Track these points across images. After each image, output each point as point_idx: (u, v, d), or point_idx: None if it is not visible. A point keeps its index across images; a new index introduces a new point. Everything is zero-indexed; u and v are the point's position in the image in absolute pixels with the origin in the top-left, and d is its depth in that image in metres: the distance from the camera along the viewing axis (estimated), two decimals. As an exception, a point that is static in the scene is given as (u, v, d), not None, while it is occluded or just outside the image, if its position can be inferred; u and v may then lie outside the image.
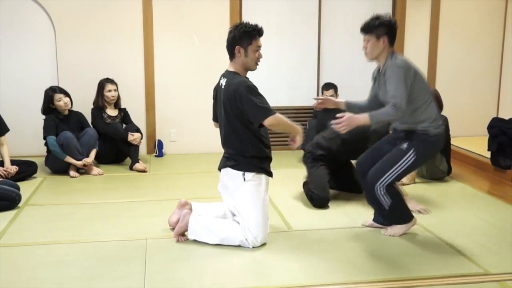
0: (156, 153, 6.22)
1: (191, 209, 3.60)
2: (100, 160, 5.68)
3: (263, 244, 3.39)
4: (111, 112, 5.74)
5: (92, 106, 5.70)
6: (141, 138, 5.73)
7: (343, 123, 3.24)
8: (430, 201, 4.44)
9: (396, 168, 3.38)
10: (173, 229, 3.56)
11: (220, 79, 3.44)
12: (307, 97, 6.32)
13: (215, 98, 3.54)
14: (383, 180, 3.37)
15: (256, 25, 3.35)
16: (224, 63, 6.23)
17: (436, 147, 3.51)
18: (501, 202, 4.40)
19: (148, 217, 4.01)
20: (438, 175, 4.78)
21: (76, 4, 5.93)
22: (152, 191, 4.75)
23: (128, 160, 5.64)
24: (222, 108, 3.38)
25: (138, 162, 5.53)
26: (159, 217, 3.99)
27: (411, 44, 6.66)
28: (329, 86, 5.96)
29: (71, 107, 5.48)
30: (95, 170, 5.36)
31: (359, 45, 6.53)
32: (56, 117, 5.35)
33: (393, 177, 3.38)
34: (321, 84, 6.46)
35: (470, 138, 5.28)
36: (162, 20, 6.13)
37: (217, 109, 3.53)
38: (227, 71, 3.44)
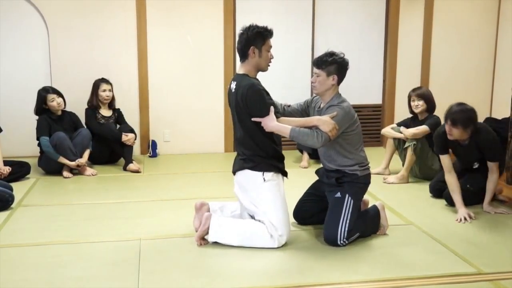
0: (150, 153, 6.21)
1: (209, 210, 3.58)
2: (94, 160, 5.67)
3: (285, 244, 3.40)
4: (105, 112, 5.73)
5: (85, 107, 5.68)
6: (135, 139, 5.72)
7: (262, 123, 3.29)
8: (422, 200, 4.45)
9: (343, 217, 3.42)
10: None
11: (231, 83, 3.45)
12: (301, 97, 6.25)
13: (229, 101, 3.54)
14: (340, 234, 3.39)
15: (267, 26, 3.38)
16: (218, 63, 6.31)
17: (366, 185, 3.63)
18: (494, 202, 4.40)
19: (142, 218, 4.00)
20: (431, 174, 4.79)
21: (69, 4, 5.91)
22: (146, 192, 4.74)
23: (122, 161, 5.63)
24: (234, 111, 3.40)
25: (132, 162, 5.51)
26: (153, 217, 3.99)
27: (405, 44, 6.67)
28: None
29: (64, 108, 5.47)
30: (89, 170, 5.34)
31: (353, 45, 6.58)
32: (49, 117, 5.34)
33: (346, 225, 3.40)
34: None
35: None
36: (156, 20, 6.12)
37: (232, 112, 3.53)
38: (237, 75, 3.46)
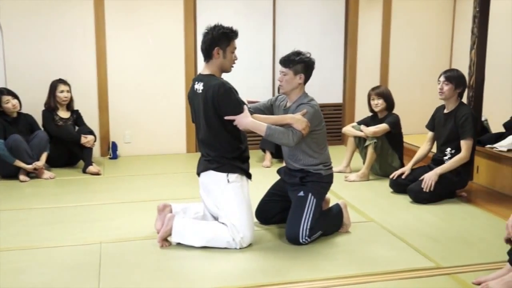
0: (110, 155, 6.13)
1: (171, 211, 3.54)
2: (52, 163, 5.55)
3: (249, 245, 3.39)
4: (63, 114, 5.62)
5: (42, 108, 5.56)
6: (95, 141, 5.63)
7: (236, 121, 3.28)
8: (383, 197, 4.51)
9: (305, 215, 3.44)
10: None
11: (194, 83, 3.40)
12: (263, 97, 6.31)
13: (190, 103, 3.50)
14: (302, 232, 3.40)
15: (232, 27, 3.35)
16: (178, 63, 6.27)
17: (329, 184, 3.68)
18: (453, 198, 4.50)
19: (103, 221, 3.94)
20: (391, 171, 4.86)
21: (24, 4, 5.78)
22: (106, 194, 4.67)
23: (81, 163, 5.54)
24: (201, 112, 3.35)
25: (92, 164, 5.43)
26: (114, 220, 3.94)
27: (364, 44, 6.77)
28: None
29: (20, 109, 5.36)
30: (47, 173, 5.23)
31: (314, 45, 6.62)
32: (4, 119, 5.22)
33: (308, 223, 3.42)
34: (277, 84, 6.50)
35: (421, 136, 5.41)
36: (115, 19, 6.05)
37: (192, 113, 3.50)
38: (201, 75, 3.40)
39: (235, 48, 3.38)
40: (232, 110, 3.27)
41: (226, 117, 3.28)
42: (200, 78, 3.39)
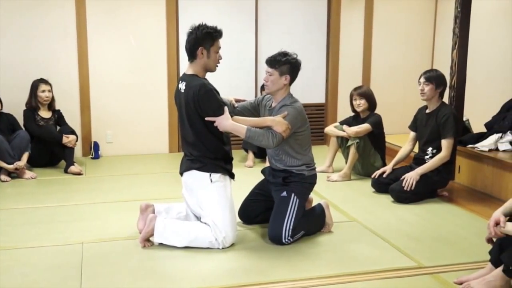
0: (92, 155, 6.09)
1: (154, 211, 3.53)
2: (33, 163, 5.50)
3: (232, 244, 3.38)
4: (45, 114, 5.57)
5: (24, 108, 5.50)
6: (76, 140, 5.59)
7: (216, 123, 3.28)
8: (365, 197, 4.54)
9: (288, 215, 3.44)
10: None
11: (179, 83, 3.39)
12: (246, 97, 6.30)
13: (176, 102, 3.49)
14: (285, 232, 3.40)
15: (216, 27, 3.34)
16: (161, 62, 6.24)
17: (312, 185, 3.70)
18: (434, 198, 4.54)
19: (84, 221, 3.92)
20: (373, 171, 4.88)
21: (4, 4, 5.71)
22: (88, 194, 4.64)
23: (63, 163, 5.49)
24: (184, 112, 3.34)
25: (73, 164, 5.39)
26: (96, 220, 3.91)
27: (346, 44, 6.79)
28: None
29: (1, 109, 5.31)
30: (28, 173, 5.18)
31: (297, 45, 6.62)
32: (-15, 119, 5.16)
33: (291, 223, 3.43)
34: (259, 84, 6.50)
35: (403, 135, 5.44)
36: (96, 19, 6.00)
37: (178, 111, 3.48)
38: (185, 75, 3.39)
39: (219, 47, 3.37)
40: (212, 111, 3.27)
41: (207, 118, 3.28)
42: (183, 77, 3.39)
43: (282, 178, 3.58)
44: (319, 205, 3.73)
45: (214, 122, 3.28)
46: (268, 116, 3.54)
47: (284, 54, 3.54)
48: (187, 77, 3.35)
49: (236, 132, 3.34)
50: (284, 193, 3.52)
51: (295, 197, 3.50)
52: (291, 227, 3.41)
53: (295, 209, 3.47)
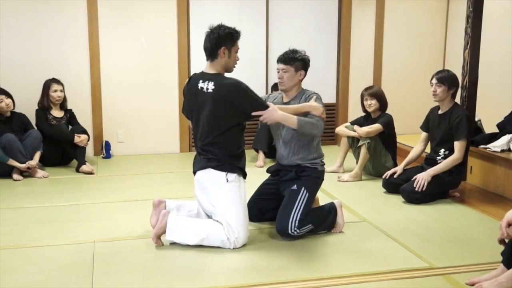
0: (103, 154, 6.12)
1: (166, 207, 3.53)
2: (45, 162, 5.54)
3: (244, 245, 3.38)
4: (57, 113, 5.61)
5: (36, 107, 5.54)
6: (88, 140, 5.62)
7: (264, 116, 3.33)
8: (376, 197, 4.52)
9: (296, 207, 3.46)
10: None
11: (198, 82, 3.36)
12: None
13: (189, 101, 3.48)
14: (291, 223, 3.41)
15: (235, 28, 3.39)
16: (172, 62, 6.25)
17: (321, 181, 3.73)
18: (446, 198, 4.51)
19: (96, 220, 3.93)
20: (384, 171, 4.87)
21: (17, 3, 5.75)
22: (99, 194, 4.66)
23: (74, 162, 5.52)
24: (206, 111, 3.32)
25: (85, 164, 5.41)
26: (107, 220, 3.93)
27: (357, 44, 6.78)
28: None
29: (13, 109, 5.34)
30: (40, 172, 5.21)
31: (307, 45, 6.60)
32: (-2, 119, 5.20)
33: (298, 215, 3.44)
34: (270, 84, 6.50)
35: (415, 136, 5.42)
36: (108, 18, 6.03)
37: (193, 111, 3.46)
38: (207, 74, 3.37)
39: (238, 48, 3.42)
40: (257, 106, 3.32)
41: (255, 113, 3.31)
42: (207, 77, 3.34)
43: (294, 171, 3.61)
44: (331, 203, 3.72)
45: (259, 116, 3.32)
46: None
47: (295, 51, 3.65)
48: (213, 76, 3.33)
49: (287, 122, 3.40)
50: (295, 186, 3.56)
51: (305, 191, 3.52)
52: (297, 219, 3.42)
53: (304, 202, 3.49)
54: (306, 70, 3.67)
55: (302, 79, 3.67)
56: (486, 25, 5.05)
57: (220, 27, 3.34)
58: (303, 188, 3.53)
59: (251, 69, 6.51)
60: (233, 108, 3.28)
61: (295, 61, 3.60)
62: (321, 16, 6.70)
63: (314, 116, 3.48)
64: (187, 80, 3.54)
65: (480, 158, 4.88)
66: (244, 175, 3.48)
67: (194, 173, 3.51)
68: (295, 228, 3.41)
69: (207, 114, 3.33)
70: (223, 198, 3.36)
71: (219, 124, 3.33)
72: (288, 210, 3.45)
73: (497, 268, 2.85)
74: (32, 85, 5.72)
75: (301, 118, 3.42)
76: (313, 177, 3.61)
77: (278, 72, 3.65)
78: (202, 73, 3.41)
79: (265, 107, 3.33)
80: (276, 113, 3.34)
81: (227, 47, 3.33)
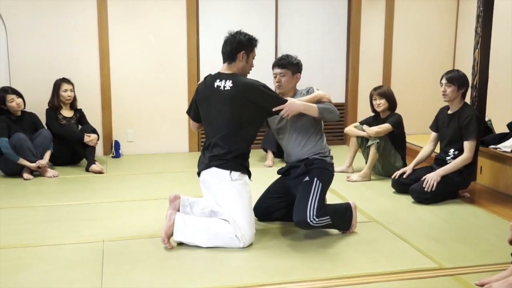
0: (113, 154, 6.14)
1: (179, 203, 3.50)
2: (55, 162, 5.57)
3: (251, 244, 3.39)
4: (67, 113, 5.63)
5: (46, 107, 5.58)
6: (98, 139, 5.64)
7: (285, 109, 3.45)
8: (385, 197, 4.51)
9: (312, 197, 3.47)
10: None
11: (215, 81, 3.41)
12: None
13: (202, 100, 3.51)
14: (310, 212, 3.40)
15: (253, 35, 3.54)
16: (181, 62, 6.26)
17: (332, 174, 3.74)
18: (455, 199, 4.50)
19: (105, 219, 3.95)
20: (394, 171, 4.85)
21: (27, 3, 5.79)
22: (109, 193, 4.68)
23: (84, 162, 5.55)
24: (221, 109, 3.38)
25: (95, 163, 5.44)
26: (117, 219, 3.94)
27: (366, 43, 6.76)
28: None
29: (24, 108, 5.37)
30: (50, 172, 5.24)
31: (317, 45, 6.62)
32: (9, 118, 5.23)
33: (315, 203, 3.44)
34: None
35: (424, 136, 5.41)
36: (118, 18, 6.05)
37: (203, 110, 3.51)
38: (223, 74, 3.44)
39: (255, 55, 3.55)
40: (276, 101, 3.44)
41: (275, 108, 3.43)
42: (224, 76, 3.42)
43: (304, 164, 3.63)
44: (347, 203, 3.72)
45: (279, 111, 3.44)
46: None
47: (290, 56, 3.82)
48: (230, 76, 3.41)
49: (309, 111, 3.54)
50: (307, 178, 3.57)
51: (318, 181, 3.54)
52: (315, 206, 3.42)
53: (318, 192, 3.50)
54: (301, 73, 3.83)
55: (298, 81, 3.81)
56: (497, 24, 5.02)
57: (241, 33, 3.48)
58: (315, 179, 3.55)
59: (260, 70, 6.47)
60: (252, 105, 3.37)
61: (291, 65, 3.75)
62: (331, 16, 6.69)
63: (325, 102, 3.64)
64: (201, 80, 3.57)
65: (490, 158, 4.86)
66: (249, 173, 3.49)
67: (199, 174, 3.52)
68: (314, 217, 3.39)
69: (223, 111, 3.37)
70: (228, 196, 3.37)
71: (233, 122, 3.37)
72: (305, 200, 3.45)
73: (507, 268, 2.83)
74: (42, 85, 5.75)
75: (320, 105, 3.56)
76: (323, 168, 3.63)
77: (275, 76, 3.78)
78: (219, 73, 3.48)
79: (284, 101, 3.45)
80: (297, 103, 3.48)
81: (246, 52, 3.46)
